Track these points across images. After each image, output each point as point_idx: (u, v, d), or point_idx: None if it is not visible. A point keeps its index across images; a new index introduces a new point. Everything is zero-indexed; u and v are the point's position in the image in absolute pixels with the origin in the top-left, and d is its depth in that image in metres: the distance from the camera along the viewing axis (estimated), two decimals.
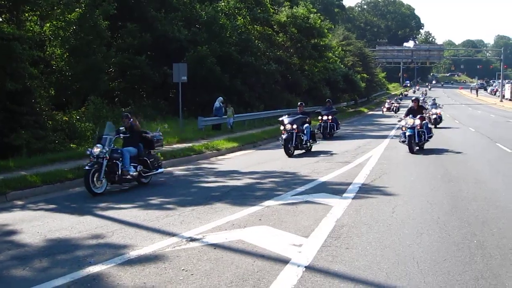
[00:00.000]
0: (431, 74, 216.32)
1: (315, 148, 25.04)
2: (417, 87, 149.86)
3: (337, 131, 32.90)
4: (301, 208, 11.76)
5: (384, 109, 65.70)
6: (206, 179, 16.71)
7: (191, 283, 7.09)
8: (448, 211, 11.40)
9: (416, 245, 8.76)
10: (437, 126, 38.34)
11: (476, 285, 6.90)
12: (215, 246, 8.84)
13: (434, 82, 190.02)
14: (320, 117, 32.19)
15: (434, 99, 47.86)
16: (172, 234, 9.68)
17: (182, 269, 7.65)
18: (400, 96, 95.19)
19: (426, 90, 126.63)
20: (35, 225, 10.79)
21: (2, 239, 9.76)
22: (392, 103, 66.32)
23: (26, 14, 24.85)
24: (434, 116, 39.25)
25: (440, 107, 42.29)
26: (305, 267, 7.66)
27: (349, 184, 14.89)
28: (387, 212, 11.26)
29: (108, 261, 8.09)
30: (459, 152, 23.08)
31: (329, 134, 31.68)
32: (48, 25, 27.55)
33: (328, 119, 31.78)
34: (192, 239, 9.28)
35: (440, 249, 8.53)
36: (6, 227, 10.67)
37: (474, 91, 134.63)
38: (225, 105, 34.00)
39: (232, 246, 8.82)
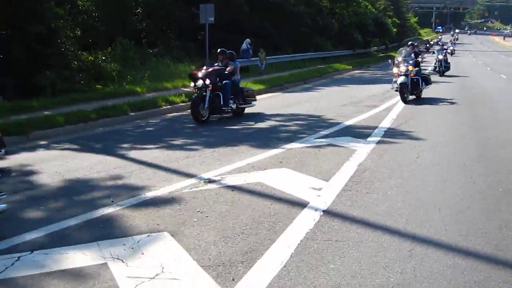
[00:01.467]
0: (464, 20, 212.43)
1: (342, 90, 24.72)
2: (452, 33, 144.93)
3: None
4: (323, 151, 11.57)
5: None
6: (229, 121, 16.52)
7: (205, 225, 6.96)
8: (475, 158, 11.12)
9: (439, 192, 8.53)
10: (444, 74, 35.70)
11: (499, 234, 6.66)
12: (233, 188, 8.70)
13: (458, 30, 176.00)
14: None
15: (443, 44, 47.33)
16: (191, 176, 9.55)
17: (197, 211, 7.52)
18: (431, 42, 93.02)
19: (454, 37, 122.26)
20: (55, 164, 10.72)
21: (21, 179, 9.69)
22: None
23: None
24: (434, 63, 37.72)
25: (448, 52, 40.84)
26: (323, 211, 7.48)
27: (374, 128, 14.64)
28: (412, 157, 11.02)
29: (123, 202, 7.98)
30: (489, 100, 22.68)
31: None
32: None
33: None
34: (210, 181, 9.15)
35: (464, 197, 8.28)
36: (26, 167, 10.60)
37: (509, 38, 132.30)
38: (251, 47, 33.57)
39: (250, 188, 8.67)
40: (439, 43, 67.61)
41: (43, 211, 7.71)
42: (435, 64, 37.32)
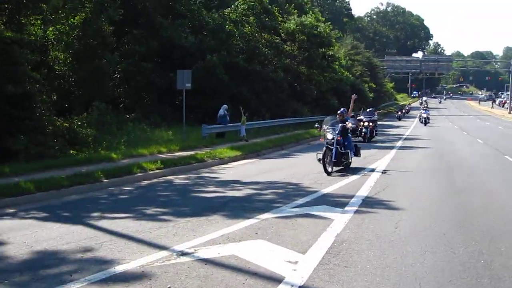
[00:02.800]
0: (440, 85, 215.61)
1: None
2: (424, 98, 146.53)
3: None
4: (300, 222, 11.32)
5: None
6: (205, 189, 16.27)
7: None
8: (454, 226, 11.01)
9: (419, 264, 8.32)
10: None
11: None
12: (206, 261, 8.40)
13: (428, 95, 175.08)
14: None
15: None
16: (163, 248, 9.24)
17: (168, 287, 7.22)
18: (407, 107, 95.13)
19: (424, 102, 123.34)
20: (24, 234, 10.37)
21: None
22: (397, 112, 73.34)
23: (30, 18, 24.53)
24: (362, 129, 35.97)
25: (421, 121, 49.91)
26: (299, 287, 7.21)
27: (352, 196, 14.45)
28: (390, 227, 10.82)
29: (91, 276, 7.66)
30: (466, 164, 22.72)
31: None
32: (51, 29, 27.22)
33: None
34: (183, 253, 8.85)
35: (444, 269, 8.09)
36: None
37: (484, 103, 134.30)
38: (229, 113, 33.56)
39: (224, 262, 8.38)
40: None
41: (5, 286, 7.37)
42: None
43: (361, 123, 35.76)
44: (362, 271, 7.95)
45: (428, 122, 57.36)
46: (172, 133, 30.27)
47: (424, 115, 59.38)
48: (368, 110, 41.22)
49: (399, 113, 77.19)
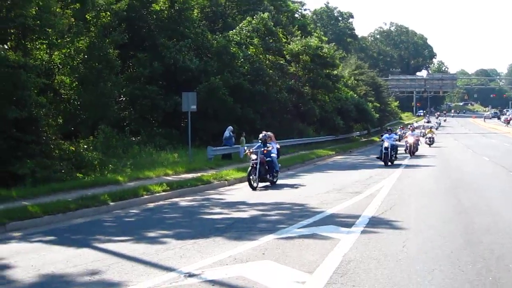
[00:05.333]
0: (445, 103, 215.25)
1: (325, 177, 24.69)
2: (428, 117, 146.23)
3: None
4: (307, 242, 11.31)
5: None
6: (211, 211, 16.28)
7: None
8: (461, 244, 10.94)
9: (427, 283, 8.31)
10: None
11: None
12: (214, 282, 8.40)
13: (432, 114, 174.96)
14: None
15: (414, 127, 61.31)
16: (170, 269, 9.25)
17: None
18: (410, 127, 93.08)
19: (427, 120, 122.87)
20: (31, 257, 10.41)
21: None
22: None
23: (36, 43, 24.72)
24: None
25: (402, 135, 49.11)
26: None
27: (358, 216, 14.41)
28: (397, 246, 10.79)
29: None
30: (472, 182, 22.67)
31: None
32: (56, 53, 27.39)
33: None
34: (191, 275, 8.85)
35: (453, 287, 8.06)
36: (0, 261, 10.26)
37: (489, 120, 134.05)
38: (234, 134, 33.59)
39: (231, 283, 8.38)
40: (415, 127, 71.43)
41: None
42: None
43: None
44: None
45: (433, 142, 54.35)
46: (178, 155, 30.32)
47: (429, 135, 55.39)
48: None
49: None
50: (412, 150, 40.76)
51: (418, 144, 44.99)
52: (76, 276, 8.99)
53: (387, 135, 33.71)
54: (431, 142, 53.75)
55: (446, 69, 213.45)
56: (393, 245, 10.93)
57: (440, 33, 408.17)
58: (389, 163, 31.79)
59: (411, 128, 52.91)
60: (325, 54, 51.89)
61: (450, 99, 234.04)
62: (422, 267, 9.18)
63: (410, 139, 41.32)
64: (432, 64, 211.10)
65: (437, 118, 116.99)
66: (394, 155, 32.83)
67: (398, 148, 35.50)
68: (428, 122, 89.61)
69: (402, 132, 58.42)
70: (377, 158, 33.00)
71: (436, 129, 71.44)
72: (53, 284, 8.59)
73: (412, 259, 9.79)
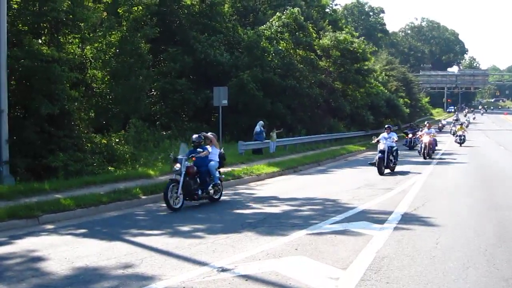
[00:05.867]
0: (476, 99, 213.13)
1: (356, 172, 24.58)
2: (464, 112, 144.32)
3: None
4: (340, 238, 11.25)
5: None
6: (243, 205, 16.28)
7: None
8: (496, 242, 10.82)
9: (462, 280, 8.21)
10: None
11: None
12: (247, 277, 8.39)
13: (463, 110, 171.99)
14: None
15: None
16: (203, 264, 9.27)
17: None
18: (440, 124, 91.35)
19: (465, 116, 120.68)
20: (64, 250, 10.48)
21: (28, 266, 9.45)
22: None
23: (69, 37, 24.85)
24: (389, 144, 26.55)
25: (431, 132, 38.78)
26: None
27: (390, 212, 14.32)
28: (431, 243, 10.69)
29: None
30: (505, 179, 22.42)
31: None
32: (89, 47, 27.54)
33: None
34: (223, 270, 8.85)
35: (488, 285, 7.99)
36: (34, 253, 10.36)
37: None
38: (265, 129, 33.53)
39: (264, 278, 8.36)
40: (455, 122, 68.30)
41: None
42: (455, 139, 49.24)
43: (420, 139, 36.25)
44: (404, 287, 7.85)
45: (464, 141, 48.61)
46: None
47: (460, 133, 49.42)
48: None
49: (410, 135, 45.92)
50: (427, 152, 33.77)
51: (436, 145, 37.10)
52: (109, 269, 9.03)
53: (385, 134, 26.51)
54: (461, 141, 48.20)
55: (477, 65, 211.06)
56: (426, 242, 10.83)
57: (471, 28, 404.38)
58: (388, 170, 25.36)
59: (427, 125, 38.72)
60: (355, 49, 51.56)
61: (481, 95, 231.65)
62: (456, 265, 9.09)
63: (425, 138, 34.23)
64: (464, 60, 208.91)
65: (465, 116, 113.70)
66: (393, 161, 25.89)
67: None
68: (457, 120, 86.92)
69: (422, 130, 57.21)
70: (370, 164, 26.20)
71: (467, 126, 67.45)
72: (86, 277, 8.63)
73: (446, 256, 9.69)
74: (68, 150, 20.90)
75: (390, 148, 25.47)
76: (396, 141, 26.29)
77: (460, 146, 46.39)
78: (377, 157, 25.13)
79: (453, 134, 55.00)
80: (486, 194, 18.33)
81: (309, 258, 9.56)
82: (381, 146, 25.37)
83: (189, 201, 16.16)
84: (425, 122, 47.64)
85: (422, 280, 8.23)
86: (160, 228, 12.68)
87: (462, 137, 48.27)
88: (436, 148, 37.13)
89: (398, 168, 26.04)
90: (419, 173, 24.88)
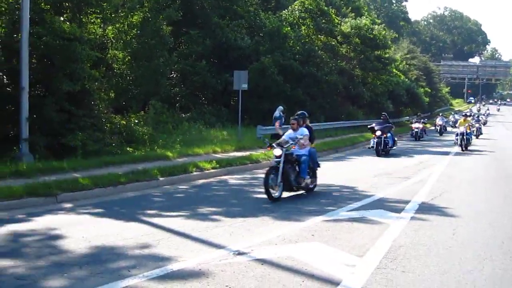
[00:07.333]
0: (497, 91, 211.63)
1: (374, 160, 24.53)
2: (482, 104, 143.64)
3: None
4: (356, 225, 11.25)
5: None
6: (260, 190, 16.18)
7: None
8: None
9: (478, 272, 8.17)
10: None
11: None
12: (263, 261, 8.41)
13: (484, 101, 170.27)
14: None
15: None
16: (220, 246, 9.30)
17: (226, 286, 7.25)
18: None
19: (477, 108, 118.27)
20: (82, 229, 10.56)
21: (46, 243, 9.54)
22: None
23: (91, 17, 24.87)
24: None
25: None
26: None
27: (407, 202, 14.27)
28: (448, 233, 10.66)
29: (149, 272, 7.74)
30: None
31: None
32: (110, 28, 27.54)
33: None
34: (240, 253, 8.88)
35: (503, 277, 7.94)
36: (52, 231, 10.44)
37: None
38: (284, 115, 33.43)
39: (281, 263, 8.37)
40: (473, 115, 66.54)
41: (65, 279, 7.49)
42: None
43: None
44: (420, 277, 7.84)
45: (481, 134, 47.54)
46: (227, 134, 30.35)
47: (477, 125, 47.63)
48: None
49: (417, 124, 45.56)
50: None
51: (471, 136, 35.61)
52: (126, 249, 9.09)
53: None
54: (478, 133, 46.31)
55: (499, 56, 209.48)
56: (443, 232, 10.80)
57: (494, 19, 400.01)
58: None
59: (464, 115, 38.58)
60: (375, 35, 51.24)
61: (502, 87, 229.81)
62: (472, 256, 9.06)
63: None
64: (486, 51, 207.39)
65: (478, 110, 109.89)
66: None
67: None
68: (478, 110, 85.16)
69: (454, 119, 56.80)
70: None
71: (484, 124, 64.31)
72: (104, 256, 8.69)
73: (462, 247, 9.66)
74: (87, 130, 20.92)
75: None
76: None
77: (477, 138, 43.98)
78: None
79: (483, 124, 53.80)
80: (504, 186, 18.21)
81: (326, 245, 9.55)
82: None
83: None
84: (464, 113, 50.83)
85: (438, 270, 8.21)
86: (177, 210, 12.74)
87: (478, 130, 46.81)
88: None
89: (416, 157, 26.01)
90: (437, 163, 24.77)
